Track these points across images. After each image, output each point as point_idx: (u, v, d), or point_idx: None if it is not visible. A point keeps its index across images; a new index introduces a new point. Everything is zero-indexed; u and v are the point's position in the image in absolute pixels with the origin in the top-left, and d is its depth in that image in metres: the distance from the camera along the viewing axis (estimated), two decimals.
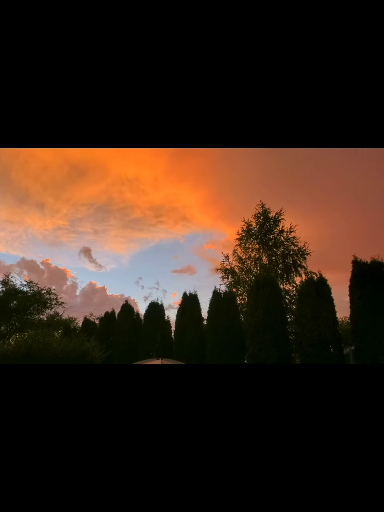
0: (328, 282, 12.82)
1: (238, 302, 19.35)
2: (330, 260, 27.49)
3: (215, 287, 15.83)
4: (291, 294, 19.44)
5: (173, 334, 17.60)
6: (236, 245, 21.71)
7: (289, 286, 19.98)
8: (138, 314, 19.51)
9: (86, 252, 40.58)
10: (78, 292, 43.48)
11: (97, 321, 22.21)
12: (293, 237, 20.36)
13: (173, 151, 25.53)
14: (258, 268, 20.72)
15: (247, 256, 21.49)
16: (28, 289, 23.20)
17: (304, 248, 20.05)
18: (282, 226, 20.79)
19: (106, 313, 20.43)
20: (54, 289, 24.45)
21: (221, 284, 21.70)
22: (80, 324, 22.52)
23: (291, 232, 20.43)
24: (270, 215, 21.11)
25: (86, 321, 21.59)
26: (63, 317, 25.92)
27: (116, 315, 19.68)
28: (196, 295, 16.88)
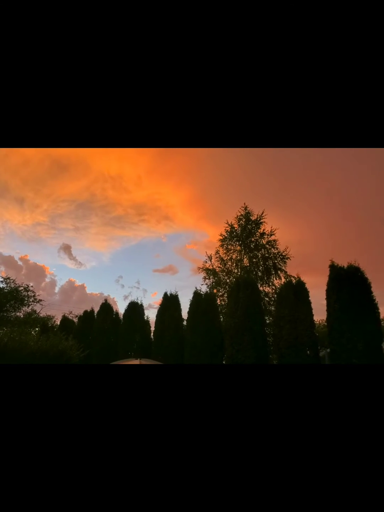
0: (308, 285, 13.10)
1: (219, 303, 19.50)
2: (310, 263, 28.03)
3: (196, 287, 15.92)
4: (270, 296, 19.72)
5: (152, 334, 17.56)
6: (219, 246, 21.89)
7: (268, 288, 20.29)
8: (117, 313, 19.39)
9: (66, 249, 39.96)
10: (56, 290, 42.73)
11: (75, 320, 21.91)
12: (274, 240, 20.68)
13: (157, 149, 25.46)
14: (239, 270, 20.92)
15: (228, 258, 21.68)
16: (4, 285, 22.68)
17: (285, 252, 20.41)
18: (264, 229, 21.09)
19: (85, 311, 20.20)
20: (32, 286, 23.98)
21: (202, 285, 21.84)
22: (58, 322, 22.18)
23: (271, 234, 20.75)
24: (252, 218, 21.36)
25: (64, 319, 21.28)
26: (41, 315, 25.44)
27: (95, 314, 19.48)
28: (177, 295, 16.90)
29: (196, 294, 15.00)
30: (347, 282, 11.88)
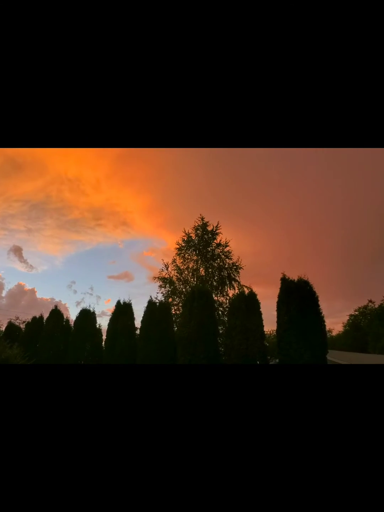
0: (263, 295, 13.48)
1: (173, 312, 19.49)
2: (266, 273, 28.86)
3: (150, 296, 15.76)
4: (224, 306, 20.03)
5: (104, 342, 17.10)
6: (175, 255, 21.93)
7: (222, 298, 20.61)
8: (68, 320, 18.67)
9: (17, 251, 38.11)
10: (4, 293, 40.52)
11: (23, 326, 20.83)
12: (228, 251, 21.12)
13: (118, 153, 25.19)
14: (195, 279, 21.07)
15: (185, 267, 21.78)
16: None
17: (237, 262, 20.89)
18: (220, 240, 21.49)
19: (34, 318, 19.26)
20: None
21: (157, 293, 21.70)
22: (4, 328, 20.94)
23: (226, 245, 21.18)
24: (209, 228, 21.70)
25: (11, 325, 20.15)
26: None
27: (44, 321, 18.62)
28: (130, 303, 16.61)
29: (151, 303, 14.87)
30: (296, 295, 12.36)
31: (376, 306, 31.85)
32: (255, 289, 13.71)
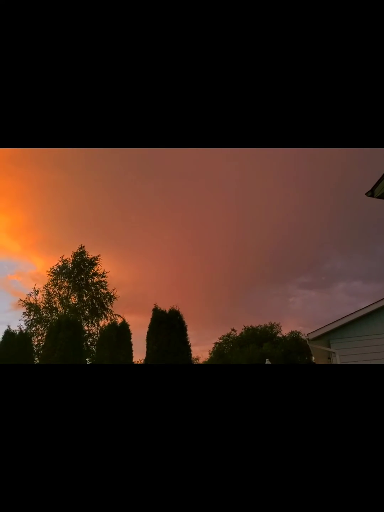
0: (138, 324, 13.54)
1: (37, 343, 17.88)
2: (143, 302, 28.54)
3: (8, 326, 14.03)
4: (94, 336, 19.23)
5: None
6: (49, 280, 20.30)
7: (94, 328, 19.81)
8: None
9: None
10: None
11: None
12: (104, 281, 20.65)
13: None
14: (64, 307, 19.78)
15: (55, 294, 20.30)
16: None
17: (112, 292, 20.53)
18: (97, 269, 20.84)
19: None
20: None
21: (20, 320, 19.43)
22: None
23: (103, 276, 20.69)
24: (88, 257, 20.87)
25: None
26: None
27: None
28: None
29: (8, 334, 13.28)
30: (166, 325, 12.73)
31: (238, 334, 34.94)
32: (133, 318, 13.70)
